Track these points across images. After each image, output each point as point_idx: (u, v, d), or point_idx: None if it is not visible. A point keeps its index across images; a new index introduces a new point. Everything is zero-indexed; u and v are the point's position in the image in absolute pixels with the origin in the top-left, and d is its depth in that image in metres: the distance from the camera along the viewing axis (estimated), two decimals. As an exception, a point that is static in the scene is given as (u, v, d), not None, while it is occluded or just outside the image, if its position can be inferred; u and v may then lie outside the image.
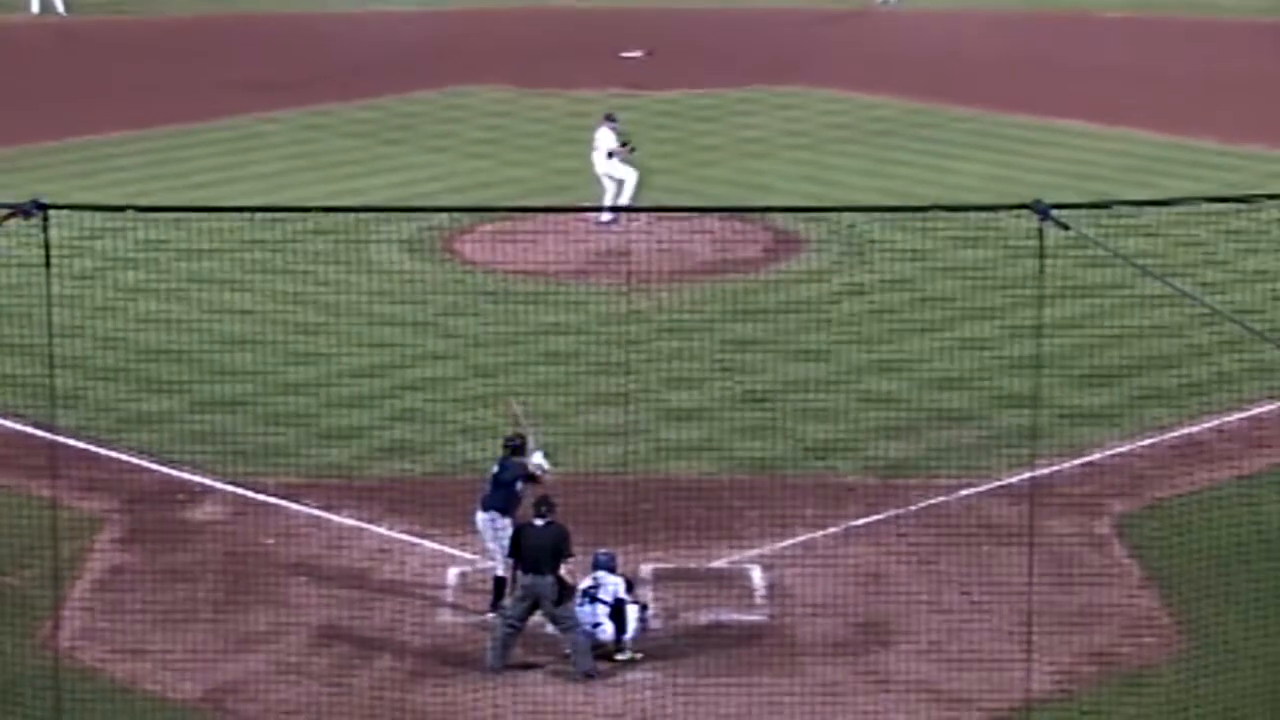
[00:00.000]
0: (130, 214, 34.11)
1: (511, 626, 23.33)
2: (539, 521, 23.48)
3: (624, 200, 40.60)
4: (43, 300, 23.50)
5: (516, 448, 24.77)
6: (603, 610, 23.64)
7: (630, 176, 41.42)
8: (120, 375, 32.21)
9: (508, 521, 24.25)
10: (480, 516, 24.60)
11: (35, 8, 63.95)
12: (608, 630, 23.67)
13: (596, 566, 23.98)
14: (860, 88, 54.64)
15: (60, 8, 63.87)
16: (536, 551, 23.26)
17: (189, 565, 26.12)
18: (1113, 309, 34.56)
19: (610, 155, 41.44)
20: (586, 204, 41.61)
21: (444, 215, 40.22)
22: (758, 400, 31.49)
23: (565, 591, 23.40)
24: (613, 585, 23.78)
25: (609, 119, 42.07)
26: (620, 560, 24.18)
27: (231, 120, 50.93)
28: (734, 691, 22.98)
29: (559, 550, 23.29)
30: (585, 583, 23.88)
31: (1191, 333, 32.64)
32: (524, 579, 23.33)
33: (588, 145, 42.03)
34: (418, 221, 40.28)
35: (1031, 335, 27.80)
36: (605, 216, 39.68)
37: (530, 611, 23.34)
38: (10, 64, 59.10)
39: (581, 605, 23.65)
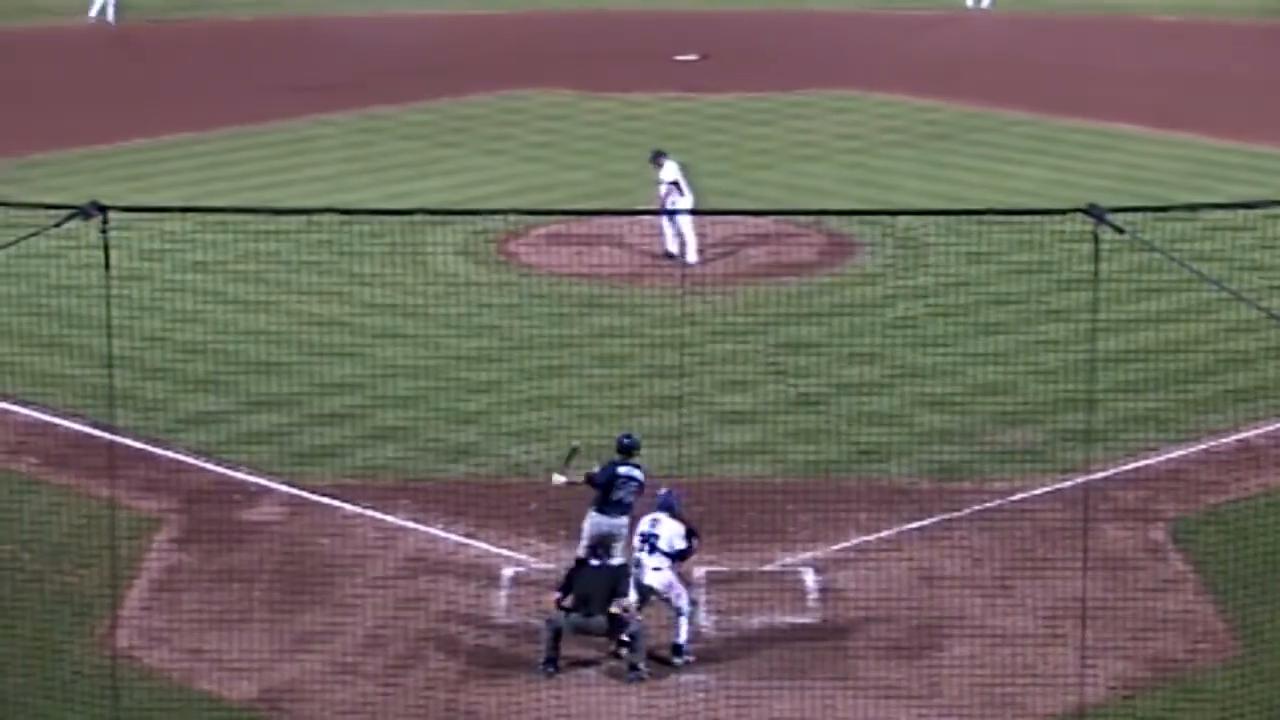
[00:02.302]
0: (186, 215, 34.28)
1: (567, 624, 23.36)
2: (595, 562, 23.55)
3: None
4: (100, 300, 23.67)
5: (627, 448, 24.79)
6: (660, 559, 23.59)
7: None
8: (177, 375, 32.42)
9: (600, 519, 24.36)
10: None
11: (93, 11, 64.23)
12: (669, 576, 23.60)
13: (659, 505, 23.95)
14: (914, 91, 54.58)
15: (111, 17, 64.07)
16: (591, 591, 23.28)
17: (245, 565, 26.26)
18: (1168, 313, 34.46)
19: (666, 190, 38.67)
20: (641, 208, 41.63)
21: (499, 218, 40.34)
22: (811, 403, 31.50)
23: (615, 626, 23.39)
24: (671, 533, 23.76)
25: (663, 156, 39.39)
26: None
27: (286, 123, 51.15)
28: (787, 694, 23.00)
29: (614, 591, 23.32)
30: (644, 525, 23.87)
31: (1248, 337, 32.53)
32: (573, 618, 23.32)
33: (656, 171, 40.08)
34: (473, 224, 40.39)
35: (1086, 339, 27.74)
36: (692, 257, 38.48)
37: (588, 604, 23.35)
38: (65, 68, 59.45)
39: (640, 550, 23.64)
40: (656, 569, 23.69)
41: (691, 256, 38.26)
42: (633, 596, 23.66)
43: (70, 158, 47.25)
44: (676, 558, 23.77)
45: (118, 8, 63.98)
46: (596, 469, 24.61)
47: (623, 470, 24.56)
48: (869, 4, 65.23)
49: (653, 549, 23.77)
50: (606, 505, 24.40)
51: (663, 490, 24.41)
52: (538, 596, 24.76)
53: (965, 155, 47.85)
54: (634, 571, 23.74)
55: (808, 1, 68.17)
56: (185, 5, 64.59)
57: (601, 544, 24.06)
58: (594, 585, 23.30)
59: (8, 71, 58.51)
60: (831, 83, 55.75)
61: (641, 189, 44.05)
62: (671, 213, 37.96)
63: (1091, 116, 51.27)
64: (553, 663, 23.32)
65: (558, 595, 23.53)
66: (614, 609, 23.23)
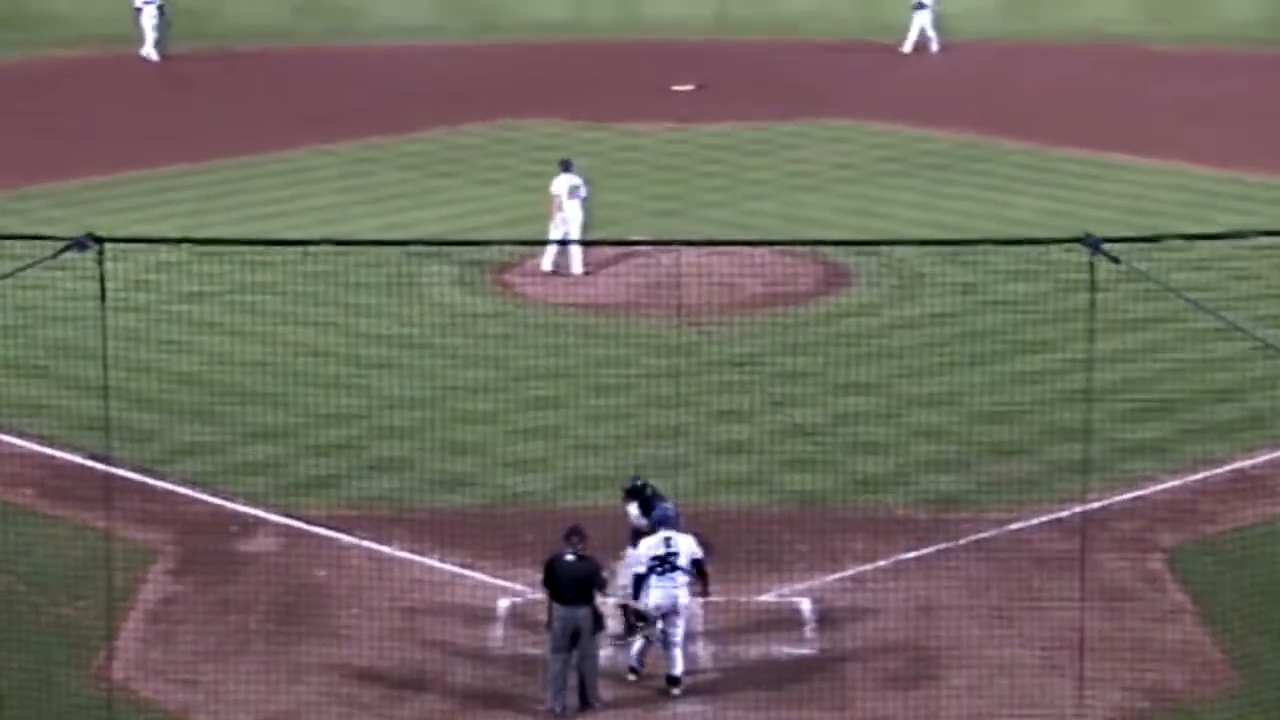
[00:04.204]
0: (184, 247, 34.33)
1: (562, 661, 23.36)
2: (570, 555, 23.54)
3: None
4: (95, 331, 23.70)
5: (634, 490, 24.96)
6: (683, 579, 23.62)
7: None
8: (173, 405, 32.44)
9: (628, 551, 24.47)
10: None
11: (147, 49, 64.07)
12: (688, 598, 23.63)
13: (664, 523, 23.84)
14: (910, 121, 54.68)
15: (154, 55, 64.05)
16: (570, 584, 23.32)
17: (241, 596, 26.26)
18: (1164, 342, 34.53)
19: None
20: (637, 238, 41.70)
21: (495, 248, 40.39)
22: (807, 433, 31.53)
23: (598, 622, 23.47)
24: (688, 548, 23.74)
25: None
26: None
27: (283, 154, 51.23)
28: (784, 725, 22.99)
29: (592, 582, 23.36)
30: (657, 548, 23.78)
31: (1243, 366, 32.56)
32: (560, 611, 23.37)
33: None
34: (469, 255, 40.43)
35: (1083, 369, 27.78)
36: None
37: (574, 642, 23.32)
38: (62, 99, 59.56)
39: (663, 574, 23.63)
40: (680, 587, 23.68)
41: (553, 265, 39.49)
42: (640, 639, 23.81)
43: (68, 189, 47.30)
44: (695, 572, 23.75)
45: (160, 43, 63.95)
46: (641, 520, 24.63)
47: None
48: (864, 34, 65.31)
49: (674, 567, 23.72)
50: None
51: (666, 505, 24.40)
52: (534, 628, 24.75)
53: (962, 185, 47.93)
54: (650, 592, 23.70)
55: (804, 32, 68.30)
56: (182, 37, 64.68)
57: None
58: (571, 577, 23.31)
59: (4, 107, 58.58)
60: (828, 113, 55.85)
61: (638, 219, 44.18)
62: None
63: (1088, 146, 51.36)
64: (561, 698, 23.28)
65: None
66: (596, 602, 23.31)
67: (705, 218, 44.72)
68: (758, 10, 72.62)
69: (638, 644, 24.03)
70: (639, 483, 25.21)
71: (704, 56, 64.44)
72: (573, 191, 40.33)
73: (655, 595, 23.62)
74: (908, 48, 63.92)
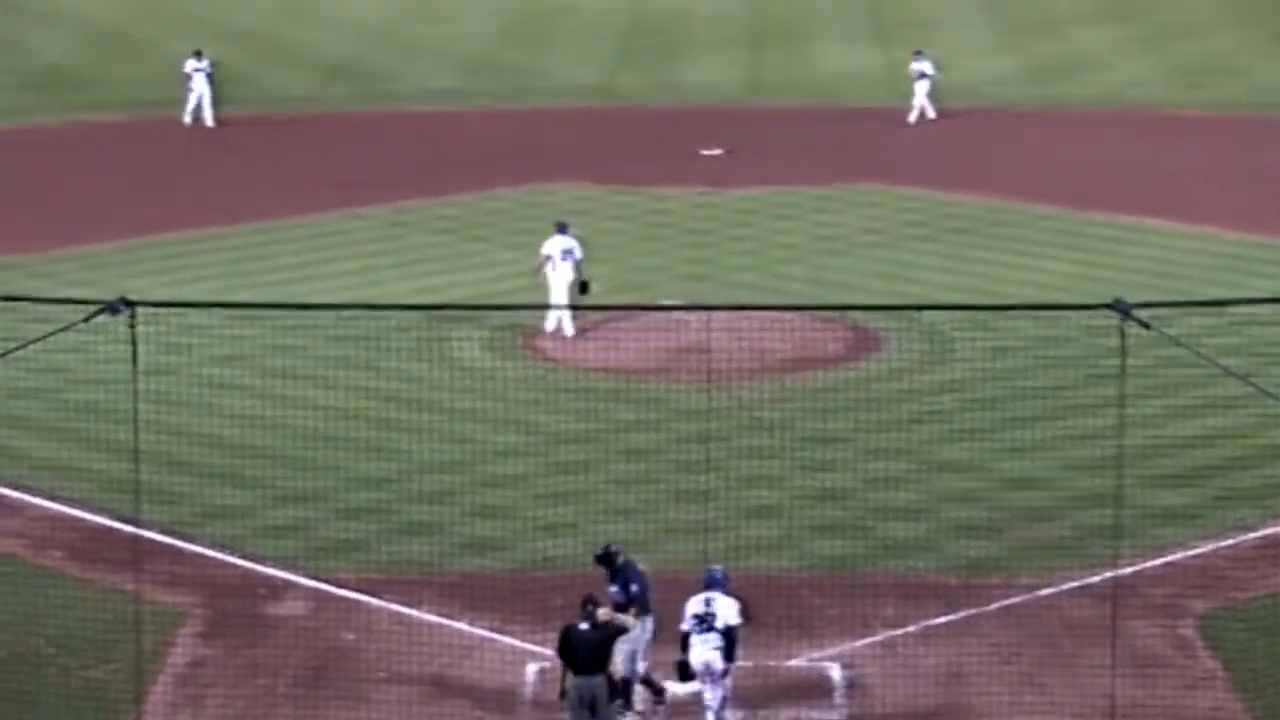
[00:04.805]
0: (215, 310, 34.37)
1: None
2: (585, 624, 23.44)
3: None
4: (126, 394, 23.71)
5: (600, 557, 24.88)
6: (716, 640, 23.54)
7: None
8: (202, 468, 32.42)
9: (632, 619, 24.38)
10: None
11: (198, 115, 64.22)
12: (716, 662, 23.55)
13: (710, 584, 23.90)
14: (937, 185, 54.65)
15: (198, 116, 64.19)
16: (586, 653, 23.22)
17: (270, 660, 26.17)
18: (1195, 408, 34.37)
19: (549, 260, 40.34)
20: (667, 302, 41.68)
21: (525, 312, 40.39)
22: (837, 497, 31.42)
23: (613, 690, 23.36)
24: (727, 610, 23.72)
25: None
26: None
27: (315, 217, 51.34)
28: (813, 791, 22.84)
29: (606, 651, 23.25)
30: (698, 607, 23.79)
31: (1274, 432, 32.41)
32: (576, 680, 23.26)
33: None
34: (499, 318, 40.43)
35: (1113, 433, 27.64)
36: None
37: (592, 712, 23.19)
38: (97, 162, 59.79)
39: (699, 631, 23.57)
40: (717, 648, 23.64)
41: (556, 324, 39.54)
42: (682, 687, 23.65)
43: (99, 252, 47.43)
44: (731, 636, 23.69)
45: (203, 107, 64.06)
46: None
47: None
48: (893, 99, 65.32)
49: (710, 628, 23.70)
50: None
51: (716, 567, 24.37)
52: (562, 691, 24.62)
53: (990, 249, 47.85)
54: (691, 650, 23.66)
55: (833, 96, 68.39)
56: (215, 100, 64.87)
57: None
58: (586, 646, 23.20)
59: (37, 165, 58.86)
60: (856, 177, 55.84)
61: (667, 283, 44.16)
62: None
63: (1117, 210, 51.26)
64: None
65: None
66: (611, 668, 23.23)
67: (734, 282, 44.69)
68: (787, 75, 72.80)
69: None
70: (611, 549, 25.03)
71: (733, 121, 64.53)
72: (565, 253, 40.40)
73: (695, 654, 23.69)
74: (913, 118, 63.66)
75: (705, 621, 23.75)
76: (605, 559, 24.96)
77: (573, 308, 39.52)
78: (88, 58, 75.67)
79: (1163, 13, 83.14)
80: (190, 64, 63.95)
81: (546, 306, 39.86)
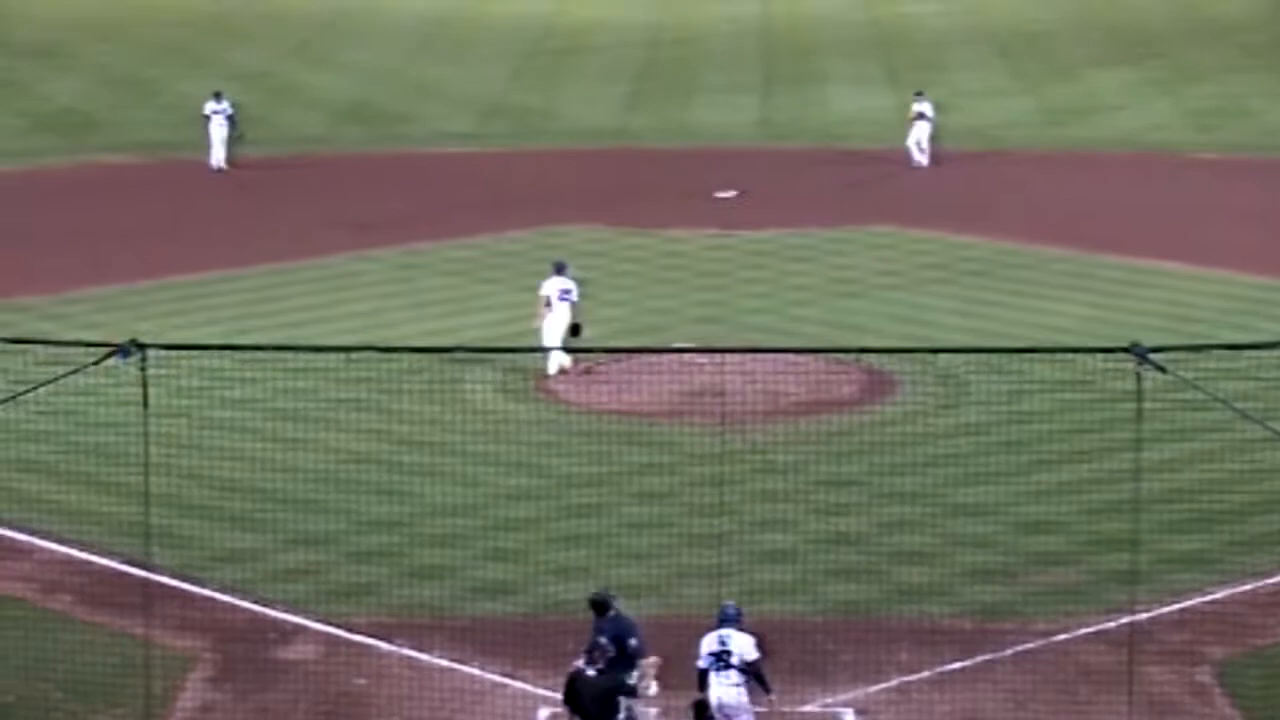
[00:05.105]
0: (226, 353, 34.29)
1: None
2: (591, 671, 23.29)
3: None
4: (137, 437, 23.63)
5: (594, 602, 24.64)
6: (736, 678, 23.39)
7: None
8: (213, 511, 32.31)
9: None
10: None
11: (215, 159, 64.10)
12: (742, 698, 23.38)
13: (724, 621, 23.79)
14: (951, 228, 54.58)
15: (223, 164, 64.10)
16: (592, 699, 23.07)
17: (280, 704, 26.04)
18: (1211, 452, 34.19)
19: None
20: (680, 344, 41.63)
21: (538, 354, 40.33)
22: (851, 541, 31.27)
23: None
24: (743, 647, 23.61)
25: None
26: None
27: (328, 259, 51.32)
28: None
29: (613, 698, 23.10)
30: (713, 645, 23.67)
31: (1292, 477, 32.25)
32: None
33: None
34: (511, 361, 40.38)
35: (1129, 478, 27.50)
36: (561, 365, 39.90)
37: None
38: (108, 204, 59.84)
39: (717, 669, 23.46)
40: (735, 685, 23.52)
41: (559, 365, 39.62)
42: None
43: (110, 294, 47.41)
44: (749, 673, 23.56)
45: (226, 150, 64.01)
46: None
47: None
48: (905, 142, 65.24)
49: (727, 665, 23.59)
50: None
51: (729, 604, 24.27)
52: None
53: (1004, 292, 47.75)
54: (710, 689, 23.52)
55: (846, 139, 68.41)
56: (229, 141, 64.88)
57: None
58: (593, 693, 23.01)
59: (49, 207, 58.92)
60: (870, 219, 55.80)
61: (680, 325, 44.08)
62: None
63: (1131, 253, 51.17)
64: None
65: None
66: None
67: (748, 324, 44.60)
68: (800, 117, 72.88)
69: None
70: (606, 596, 24.76)
71: (747, 163, 64.56)
72: (563, 294, 40.46)
73: (713, 692, 23.60)
74: (918, 159, 63.47)
75: (722, 659, 23.66)
76: (598, 605, 24.64)
77: (579, 350, 39.47)
78: (100, 99, 75.83)
79: (1176, 56, 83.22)
80: (209, 105, 63.96)
81: (555, 349, 39.78)
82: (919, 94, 64.47)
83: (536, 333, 40.47)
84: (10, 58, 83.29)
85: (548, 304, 40.51)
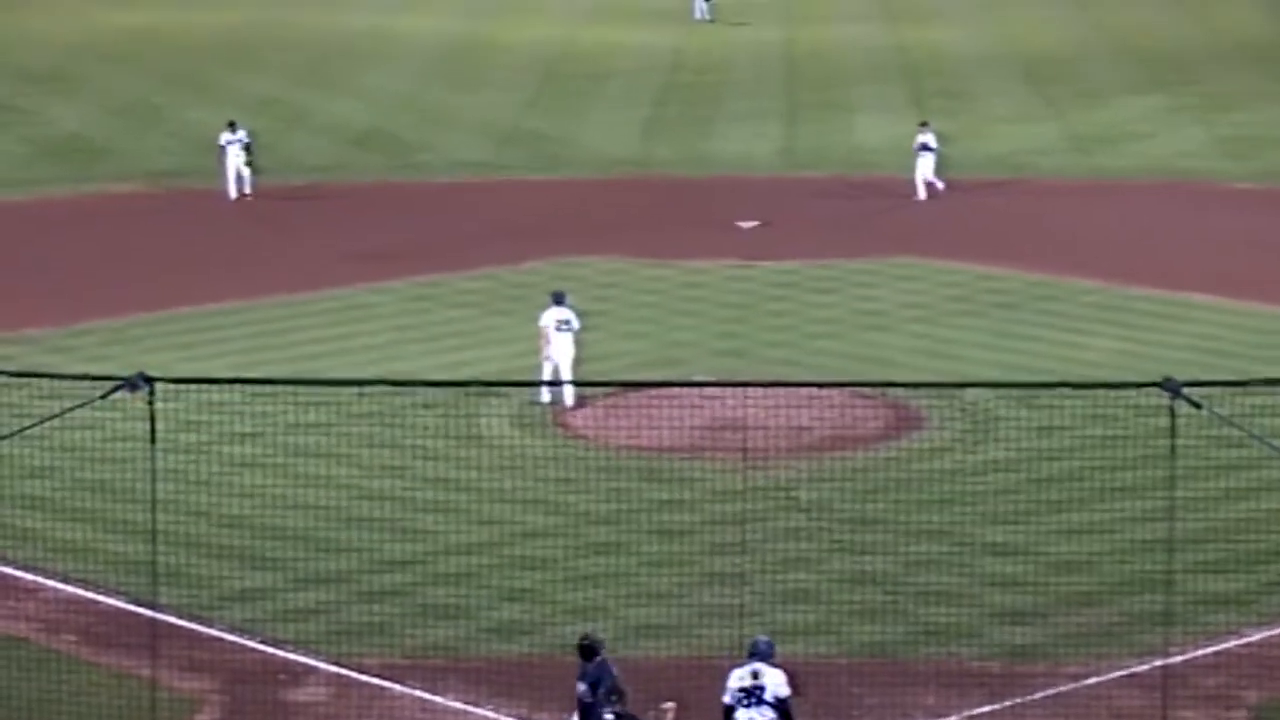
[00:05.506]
0: (236, 386, 34.29)
1: None
2: (609, 714, 23.21)
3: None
4: (144, 472, 23.61)
5: (581, 647, 24.50)
6: (770, 714, 23.34)
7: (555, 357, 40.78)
8: (222, 549, 32.28)
9: None
10: None
11: (233, 191, 64.10)
12: None
13: (755, 654, 23.68)
14: (978, 259, 54.51)
15: (240, 189, 64.05)
16: None
17: (289, 748, 26.00)
18: (1247, 490, 34.08)
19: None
20: (700, 377, 41.58)
21: (555, 387, 40.32)
22: (876, 581, 31.18)
23: None
24: (775, 682, 23.52)
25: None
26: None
27: (340, 290, 51.34)
28: None
29: None
30: (743, 680, 23.55)
31: (1330, 515, 32.14)
32: None
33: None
34: (528, 394, 40.36)
35: (1163, 516, 27.40)
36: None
37: None
38: (117, 233, 59.94)
39: (746, 705, 23.35)
40: None
41: (553, 397, 39.91)
42: None
43: (118, 325, 47.45)
44: (780, 710, 23.47)
45: (250, 180, 63.97)
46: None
47: None
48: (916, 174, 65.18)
49: (759, 701, 23.47)
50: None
51: (761, 638, 24.18)
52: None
53: (1032, 324, 47.66)
54: None
55: (870, 167, 68.40)
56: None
57: None
58: None
59: (54, 237, 59.02)
60: (895, 250, 55.74)
61: (701, 359, 44.05)
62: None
63: (1164, 286, 51.05)
64: None
65: None
66: None
67: (770, 357, 44.56)
68: (824, 145, 72.86)
69: None
70: (592, 640, 24.59)
71: (769, 192, 64.56)
72: (561, 325, 40.56)
73: None
74: (922, 194, 63.29)
75: (753, 694, 23.54)
76: (585, 650, 24.45)
77: (590, 384, 39.50)
78: (106, 127, 76.00)
79: (1208, 82, 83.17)
80: (224, 136, 64.03)
81: (573, 383, 39.79)
82: (923, 124, 64.37)
83: (537, 368, 40.52)
84: (14, 83, 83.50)
85: (546, 335, 40.56)
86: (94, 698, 26.67)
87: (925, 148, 63.25)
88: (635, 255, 55.15)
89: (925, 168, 63.17)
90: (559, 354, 40.57)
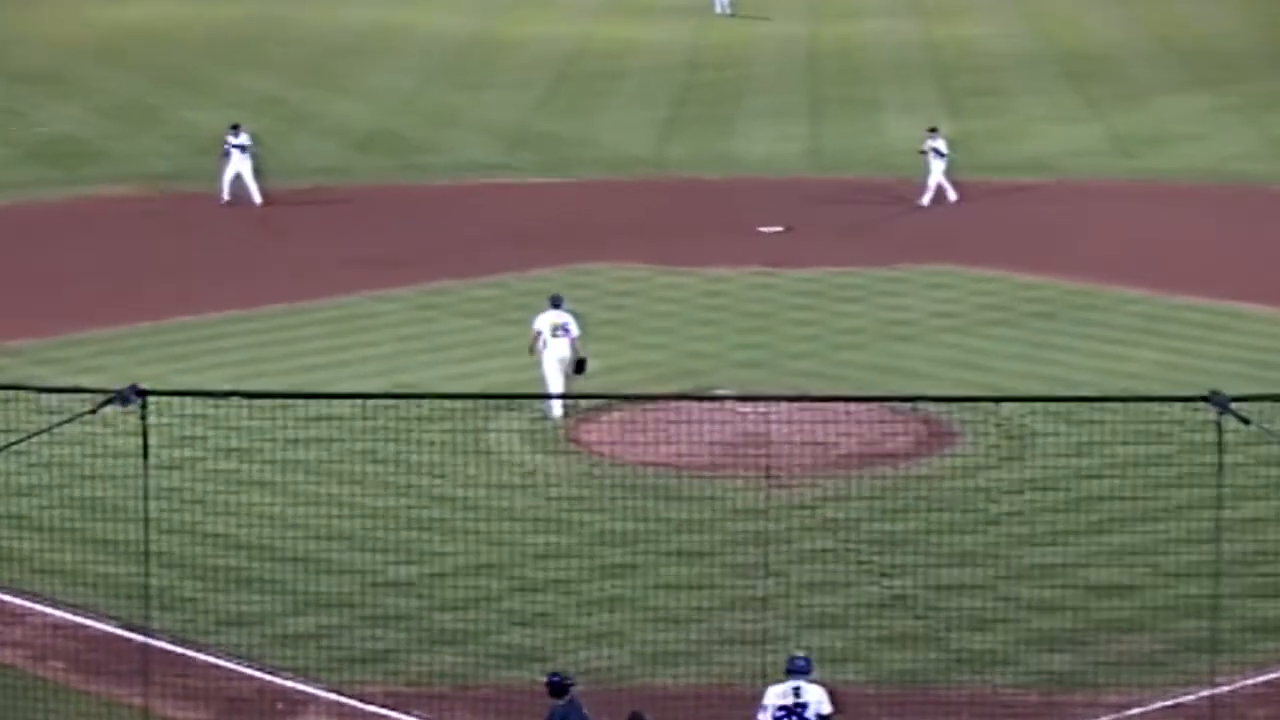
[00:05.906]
0: (233, 399, 34.31)
1: None
2: None
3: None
4: (136, 490, 23.61)
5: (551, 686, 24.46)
6: None
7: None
8: (217, 572, 32.30)
9: None
10: None
11: (224, 193, 64.14)
12: None
13: (794, 671, 23.80)
14: (1014, 266, 54.45)
15: (249, 197, 64.10)
16: None
17: (288, 781, 25.99)
18: (1298, 510, 34.05)
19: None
20: (721, 391, 41.56)
21: (568, 400, 40.32)
22: (906, 605, 31.15)
23: None
24: (817, 699, 23.63)
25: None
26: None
27: (342, 299, 51.39)
28: None
29: None
30: (785, 698, 23.61)
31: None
32: None
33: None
34: (538, 408, 40.36)
35: (1209, 537, 27.33)
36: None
37: None
38: (110, 238, 60.01)
39: None
40: None
41: (556, 411, 40.13)
42: None
43: (109, 336, 47.50)
44: None
45: (255, 188, 63.94)
46: None
47: None
48: (964, 173, 65.15)
49: (801, 719, 23.50)
50: None
51: (799, 655, 24.31)
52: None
53: (1072, 336, 47.61)
54: None
55: (900, 170, 68.35)
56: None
57: None
58: None
59: (43, 243, 59.11)
60: (925, 257, 55.68)
61: (721, 370, 44.02)
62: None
63: (1212, 295, 50.97)
64: None
65: None
66: None
67: (794, 369, 44.55)
68: (850, 146, 72.86)
69: None
70: (563, 680, 24.53)
71: (793, 195, 64.53)
72: (557, 330, 40.58)
73: None
74: (925, 201, 63.14)
75: (795, 713, 23.63)
76: (554, 689, 24.36)
77: (623, 397, 39.51)
78: (98, 127, 76.14)
79: (1258, 81, 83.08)
80: (228, 139, 64.08)
81: (580, 396, 39.79)
82: (933, 130, 64.23)
83: (543, 380, 40.48)
84: (4, 83, 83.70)
85: (541, 340, 40.58)
86: (83, 728, 26.71)
87: (938, 153, 63.11)
88: (652, 261, 55.15)
89: (937, 172, 63.09)
90: (550, 362, 40.54)
